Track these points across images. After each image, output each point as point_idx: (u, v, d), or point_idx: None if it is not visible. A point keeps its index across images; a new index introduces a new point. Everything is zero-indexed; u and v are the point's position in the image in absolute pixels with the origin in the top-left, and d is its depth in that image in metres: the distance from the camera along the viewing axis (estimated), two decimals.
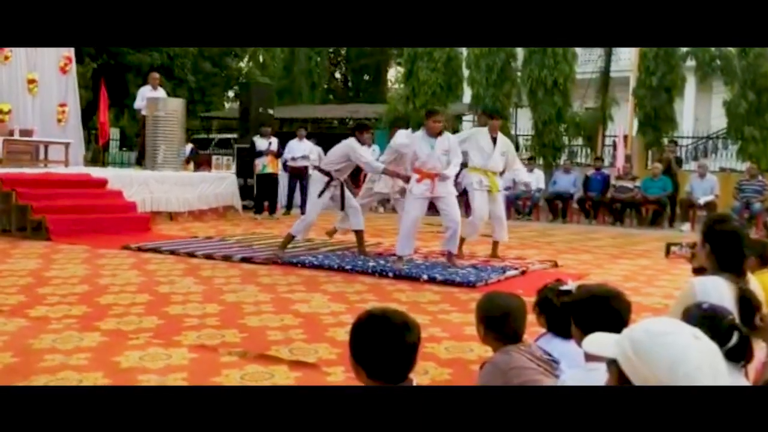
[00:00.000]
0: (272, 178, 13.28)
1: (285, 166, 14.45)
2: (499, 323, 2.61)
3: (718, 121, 17.75)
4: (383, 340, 1.89)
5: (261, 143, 13.11)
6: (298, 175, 14.21)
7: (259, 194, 13.24)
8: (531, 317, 2.83)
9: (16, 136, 12.10)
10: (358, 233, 8.00)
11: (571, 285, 2.84)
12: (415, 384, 1.93)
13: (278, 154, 13.45)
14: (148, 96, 13.29)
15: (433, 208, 7.59)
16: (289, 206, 14.09)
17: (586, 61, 18.30)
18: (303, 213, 13.64)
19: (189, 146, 15.85)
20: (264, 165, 13.09)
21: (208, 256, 7.69)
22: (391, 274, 6.80)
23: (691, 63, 16.36)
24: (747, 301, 2.63)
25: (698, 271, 3.16)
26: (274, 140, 13.32)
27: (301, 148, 14.28)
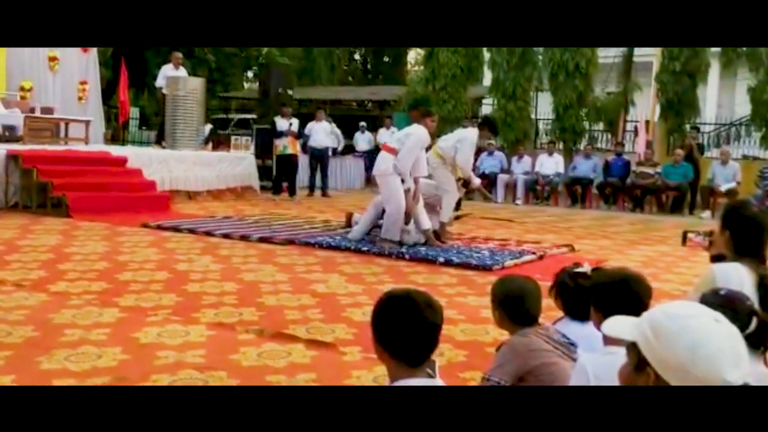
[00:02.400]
0: (292, 160, 13.22)
1: (305, 148, 14.48)
2: (514, 306, 2.60)
3: (742, 107, 17.51)
4: (406, 320, 1.88)
5: (282, 124, 13.06)
6: (319, 157, 14.24)
7: (278, 175, 13.23)
8: (547, 301, 2.82)
9: (38, 114, 12.20)
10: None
11: (586, 267, 2.82)
12: (437, 366, 1.93)
13: (299, 135, 13.43)
14: (169, 75, 13.34)
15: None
16: (311, 188, 14.11)
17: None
18: (324, 195, 13.82)
19: (208, 126, 15.91)
20: (285, 146, 13.03)
21: (226, 236, 7.73)
22: (407, 257, 6.81)
23: (715, 48, 16.12)
24: (767, 288, 2.60)
25: (716, 258, 3.12)
26: (295, 121, 13.25)
27: (320, 129, 14.31)
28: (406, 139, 7.31)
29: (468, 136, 7.98)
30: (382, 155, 7.49)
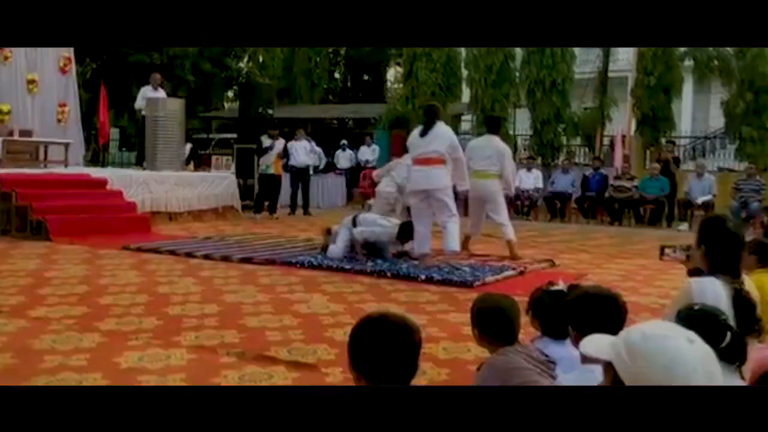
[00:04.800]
0: (275, 179, 13.27)
1: (286, 167, 14.49)
2: (492, 324, 2.61)
3: (716, 121, 17.82)
4: (383, 344, 1.80)
5: (267, 141, 13.17)
6: (300, 176, 14.26)
7: (260, 194, 13.24)
8: (526, 319, 2.84)
9: (16, 137, 12.12)
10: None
11: (561, 285, 2.84)
12: None
13: (283, 155, 13.48)
14: (148, 96, 13.31)
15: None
16: (293, 206, 14.10)
17: (585, 61, 18.34)
18: (306, 213, 13.81)
19: (188, 145, 15.86)
20: (267, 165, 13.10)
21: (208, 257, 7.71)
22: (389, 274, 6.82)
23: (689, 63, 16.39)
24: (743, 302, 2.64)
25: (693, 272, 3.17)
26: (281, 141, 13.34)
27: (300, 147, 14.35)
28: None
29: None
30: (437, 171, 7.30)
